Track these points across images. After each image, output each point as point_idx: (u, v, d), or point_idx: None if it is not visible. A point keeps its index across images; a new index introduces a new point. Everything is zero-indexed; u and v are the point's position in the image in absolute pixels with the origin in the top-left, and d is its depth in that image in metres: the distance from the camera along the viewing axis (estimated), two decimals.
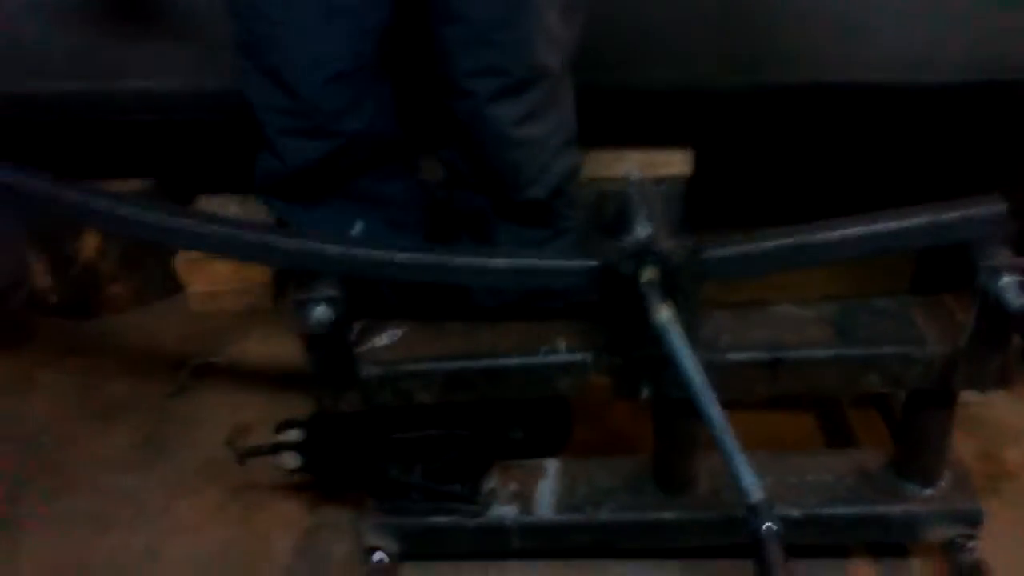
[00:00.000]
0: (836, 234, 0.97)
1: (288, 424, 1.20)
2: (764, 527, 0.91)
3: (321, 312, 0.99)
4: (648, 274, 0.90)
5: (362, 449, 1.20)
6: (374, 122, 1.24)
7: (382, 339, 1.11)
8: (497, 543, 1.23)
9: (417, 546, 1.24)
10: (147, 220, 1.04)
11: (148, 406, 1.59)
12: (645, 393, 1.06)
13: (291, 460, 1.20)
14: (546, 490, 1.24)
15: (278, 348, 1.72)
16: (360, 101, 1.21)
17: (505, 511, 1.22)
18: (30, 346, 1.77)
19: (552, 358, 1.05)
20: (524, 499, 1.23)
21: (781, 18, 1.54)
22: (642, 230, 0.92)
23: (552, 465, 1.27)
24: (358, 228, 1.10)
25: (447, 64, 1.18)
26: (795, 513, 1.16)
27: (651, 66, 1.60)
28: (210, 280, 1.81)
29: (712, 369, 0.95)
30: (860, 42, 1.54)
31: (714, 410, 0.92)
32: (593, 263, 0.96)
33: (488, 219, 1.31)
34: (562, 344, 1.06)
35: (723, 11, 1.54)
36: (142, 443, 1.52)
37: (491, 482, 1.24)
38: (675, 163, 1.68)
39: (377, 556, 1.24)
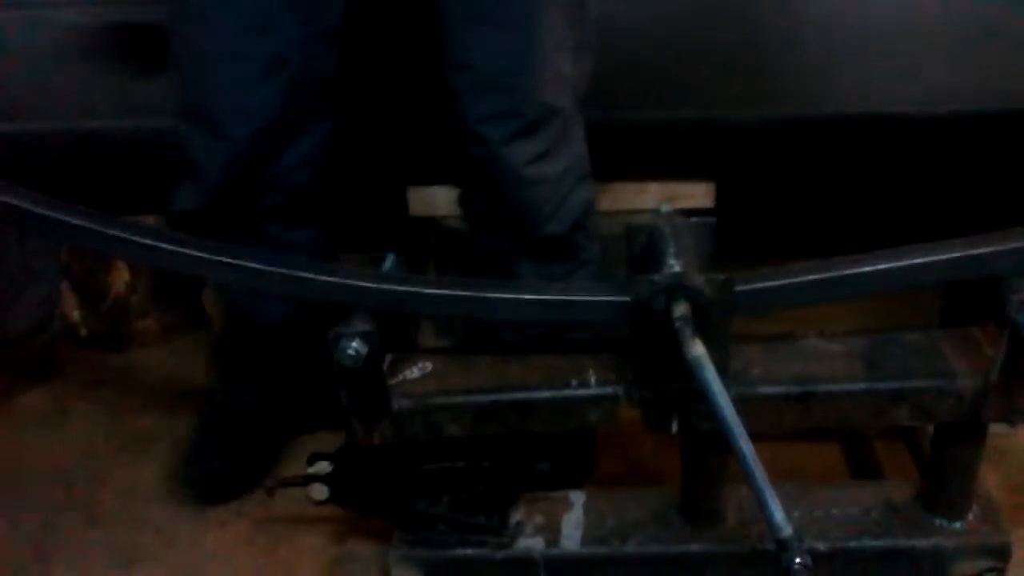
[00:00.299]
0: (866, 269, 0.98)
1: (317, 456, 1.21)
2: (794, 562, 0.91)
3: (355, 347, 1.01)
4: (680, 309, 0.91)
5: (390, 481, 1.21)
6: (293, 172, 1.27)
7: (412, 372, 1.13)
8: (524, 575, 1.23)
9: None
10: (176, 251, 1.06)
11: (176, 438, 1.60)
12: (675, 426, 1.06)
13: (320, 492, 1.21)
14: (573, 523, 1.24)
15: None
16: (283, 150, 1.24)
17: (532, 543, 1.22)
18: (61, 379, 1.79)
19: (582, 391, 1.06)
20: (551, 532, 1.23)
21: (801, 51, 1.57)
22: (673, 265, 0.93)
23: (579, 498, 1.28)
24: (389, 262, 1.12)
25: (459, 111, 1.20)
26: (822, 547, 1.16)
27: (672, 100, 1.63)
28: None
29: (743, 402, 0.96)
30: (881, 73, 1.56)
31: (744, 444, 0.92)
32: (624, 298, 0.98)
33: (509, 258, 1.33)
34: (592, 377, 1.07)
35: (744, 45, 1.57)
36: (171, 475, 1.53)
37: (518, 514, 1.24)
38: (697, 196, 1.70)
39: None
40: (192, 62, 1.20)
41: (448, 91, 1.21)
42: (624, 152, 1.66)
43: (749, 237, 1.74)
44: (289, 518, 1.41)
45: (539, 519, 1.24)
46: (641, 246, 1.03)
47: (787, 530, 0.91)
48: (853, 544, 1.16)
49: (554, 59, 1.20)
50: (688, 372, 0.92)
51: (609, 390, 1.06)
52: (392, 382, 1.10)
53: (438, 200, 1.59)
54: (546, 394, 1.07)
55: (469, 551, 1.21)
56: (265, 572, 1.34)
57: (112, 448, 1.61)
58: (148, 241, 1.04)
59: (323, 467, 1.20)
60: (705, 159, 1.74)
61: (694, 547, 1.19)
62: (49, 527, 1.44)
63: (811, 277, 0.99)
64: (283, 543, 1.39)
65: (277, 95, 1.20)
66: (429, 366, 1.13)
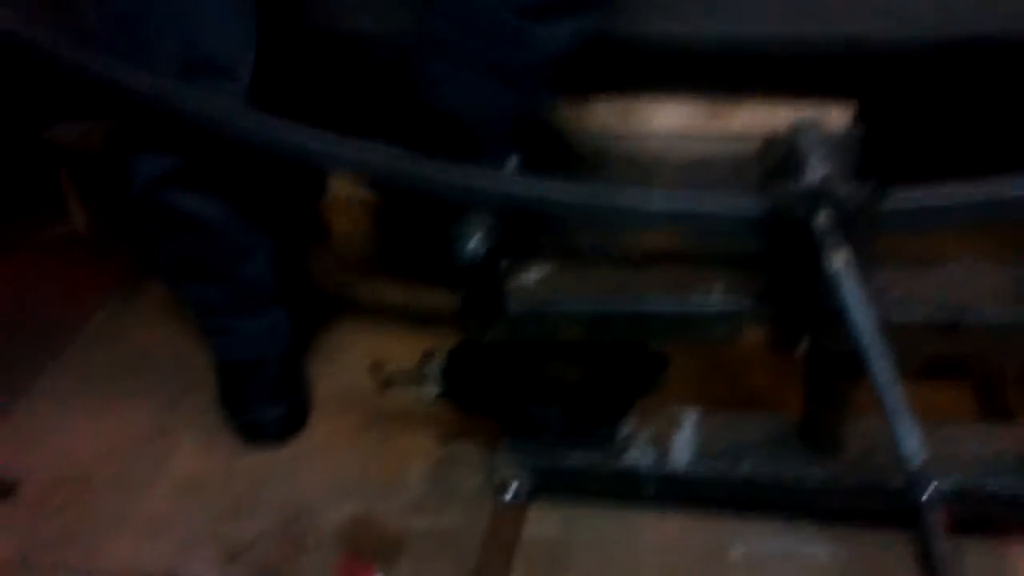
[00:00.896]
0: None
1: (431, 354, 1.21)
2: (923, 496, 0.86)
3: (475, 244, 0.99)
4: (823, 218, 0.85)
5: (502, 384, 1.21)
6: None
7: (530, 275, 1.11)
8: (631, 488, 1.22)
9: (549, 485, 1.25)
10: (299, 141, 1.06)
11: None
12: (803, 346, 1.01)
13: (432, 389, 1.21)
14: (684, 440, 1.22)
15: (416, 289, 1.74)
16: None
17: (641, 457, 1.20)
18: None
19: (705, 305, 1.02)
20: (661, 447, 1.21)
21: None
22: (817, 171, 0.87)
23: (691, 415, 1.25)
24: (512, 163, 1.09)
25: None
26: (950, 485, 1.10)
27: (809, 15, 1.52)
28: (353, 221, 1.85)
29: (882, 326, 0.90)
30: None
31: (883, 366, 0.87)
32: (760, 207, 0.92)
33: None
34: (717, 291, 1.02)
35: None
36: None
37: (628, 427, 1.22)
38: (835, 117, 1.60)
39: (508, 492, 1.25)
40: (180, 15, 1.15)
41: None
42: (756, 70, 1.57)
43: (889, 164, 1.64)
44: (397, 415, 1.43)
45: (649, 433, 1.22)
46: (779, 157, 0.97)
47: (919, 460, 0.86)
48: (983, 485, 1.10)
49: None
50: (825, 289, 0.87)
51: (734, 305, 1.01)
52: (509, 284, 1.09)
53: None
54: (666, 305, 1.03)
55: (577, 460, 1.21)
56: (371, 467, 1.37)
57: None
58: (266, 129, 1.05)
59: (436, 365, 1.20)
60: (847, 79, 1.63)
61: (812, 474, 1.15)
62: (173, 406, 1.51)
63: (969, 194, 0.91)
64: (390, 440, 1.41)
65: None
66: (547, 270, 1.11)
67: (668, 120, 1.42)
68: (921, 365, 1.30)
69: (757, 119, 1.57)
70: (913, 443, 0.86)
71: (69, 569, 1.24)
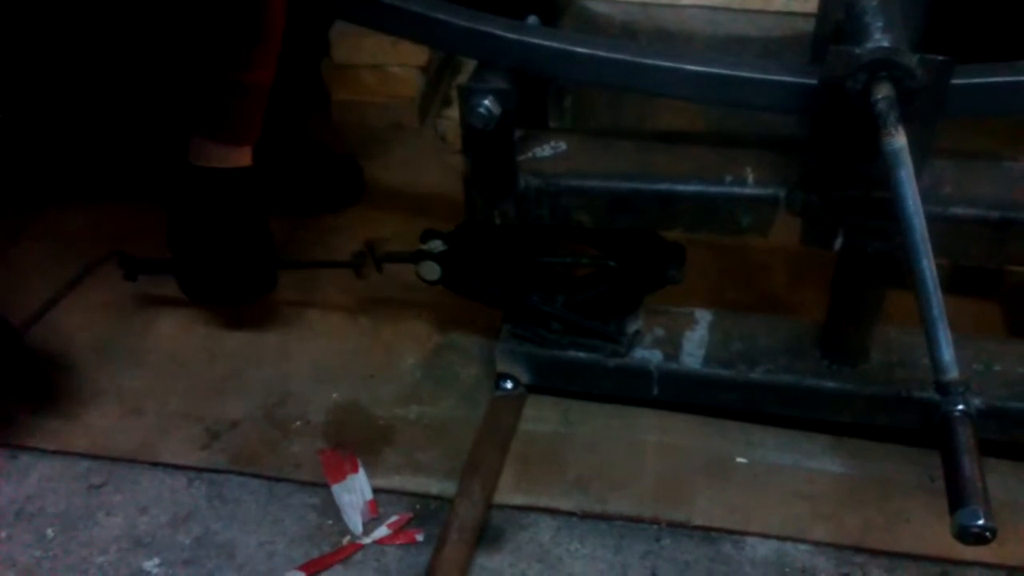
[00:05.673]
0: None
1: (432, 234, 1.13)
2: (955, 408, 0.80)
3: (487, 105, 0.89)
4: (883, 90, 0.75)
5: (505, 269, 1.13)
6: None
7: (544, 150, 1.01)
8: (635, 388, 1.15)
9: (550, 379, 1.18)
10: None
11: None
12: (838, 243, 0.93)
13: (431, 271, 1.13)
14: (696, 340, 1.15)
15: (417, 170, 1.64)
16: None
17: (649, 356, 1.13)
18: None
19: (736, 189, 0.93)
20: (671, 346, 1.14)
21: None
22: (881, 39, 0.77)
23: (704, 316, 1.18)
24: (531, 19, 0.98)
25: None
26: (978, 402, 1.03)
27: None
28: (355, 90, 1.73)
29: (930, 222, 0.82)
30: None
31: (927, 265, 0.79)
32: (810, 80, 0.82)
33: None
34: (750, 175, 0.93)
35: None
36: (278, 245, 1.49)
37: (636, 324, 1.15)
38: None
39: (506, 384, 1.19)
40: None
41: None
42: None
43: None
44: (393, 301, 1.36)
45: (659, 332, 1.15)
46: (835, 23, 0.87)
47: (953, 373, 0.79)
48: (1015, 404, 1.03)
49: None
50: (874, 175, 0.78)
51: (768, 191, 0.92)
52: (521, 158, 0.99)
53: None
54: (694, 188, 0.94)
55: (580, 354, 1.14)
56: (365, 352, 1.30)
57: None
58: None
59: (436, 245, 1.12)
60: None
61: (829, 383, 1.08)
62: (153, 283, 1.42)
63: None
64: (386, 325, 1.34)
65: None
66: (563, 146, 1.02)
67: None
68: (950, 276, 1.22)
69: None
70: (949, 354, 0.79)
71: (37, 451, 1.17)
